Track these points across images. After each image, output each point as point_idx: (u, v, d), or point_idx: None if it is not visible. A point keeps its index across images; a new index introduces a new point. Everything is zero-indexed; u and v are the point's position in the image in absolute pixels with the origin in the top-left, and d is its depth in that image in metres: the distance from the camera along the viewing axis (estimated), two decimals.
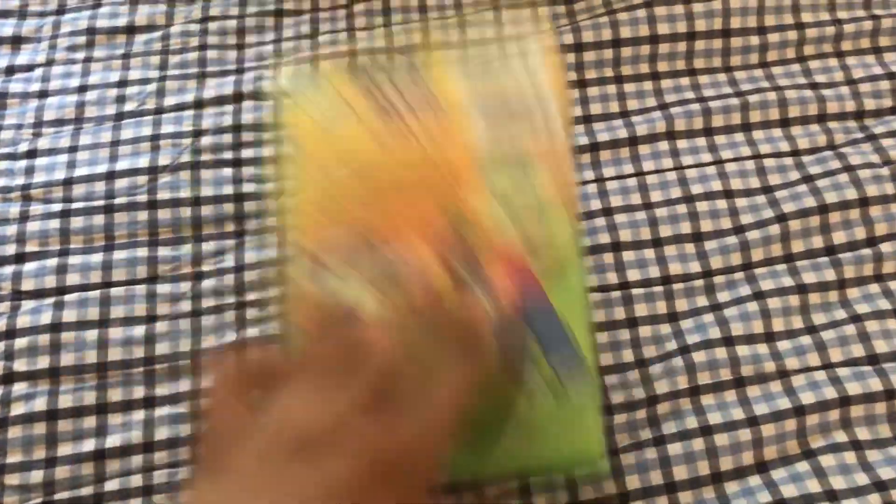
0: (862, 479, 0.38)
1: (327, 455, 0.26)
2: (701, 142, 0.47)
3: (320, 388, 0.28)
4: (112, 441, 0.39)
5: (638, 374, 0.41)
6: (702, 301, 0.43)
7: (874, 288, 0.43)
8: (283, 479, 0.25)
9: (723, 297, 0.42)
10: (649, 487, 0.38)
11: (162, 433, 0.40)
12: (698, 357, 0.41)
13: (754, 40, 0.49)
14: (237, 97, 0.48)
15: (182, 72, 0.49)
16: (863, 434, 0.39)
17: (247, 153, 0.46)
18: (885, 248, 0.43)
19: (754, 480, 0.38)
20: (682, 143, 0.47)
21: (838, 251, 0.43)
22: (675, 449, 0.39)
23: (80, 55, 0.49)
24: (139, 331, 0.42)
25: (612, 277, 0.43)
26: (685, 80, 0.49)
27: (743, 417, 0.39)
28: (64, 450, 0.39)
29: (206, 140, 0.46)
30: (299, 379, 0.29)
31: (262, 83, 0.48)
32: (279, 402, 0.28)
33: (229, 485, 0.26)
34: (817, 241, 0.44)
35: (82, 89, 0.48)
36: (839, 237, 0.44)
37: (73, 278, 0.43)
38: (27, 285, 0.42)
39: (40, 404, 0.40)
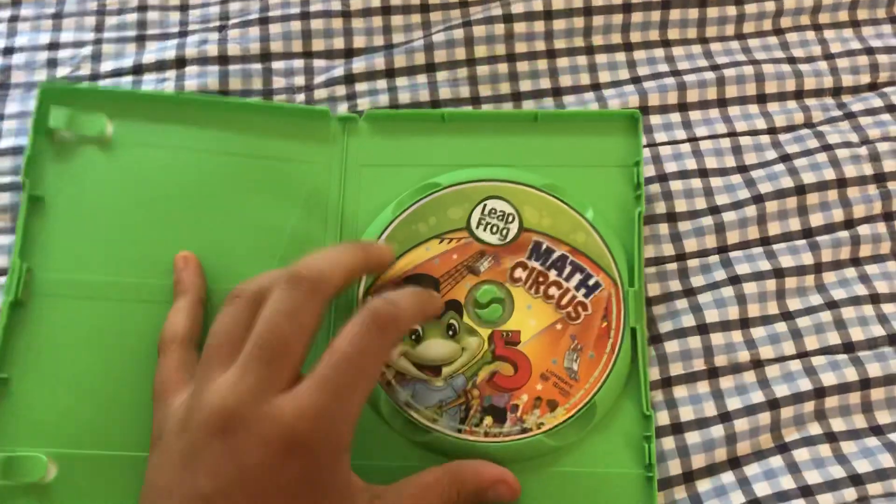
0: (837, 472, 0.36)
1: (243, 436, 0.28)
2: (675, 118, 0.44)
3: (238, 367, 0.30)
4: None
5: None
6: (675, 286, 0.41)
7: (850, 272, 0.41)
8: (202, 459, 0.28)
9: (697, 281, 0.41)
10: None
11: None
12: (671, 347, 0.39)
13: (731, 10, 0.47)
14: (180, 62, 0.44)
15: (119, 34, 0.45)
16: (837, 425, 0.38)
17: None
18: (863, 230, 0.42)
19: (727, 478, 0.36)
20: (655, 119, 0.44)
21: (815, 234, 0.42)
22: None
23: (6, 13, 0.45)
24: None
25: None
26: (659, 52, 0.46)
27: (715, 414, 0.37)
28: None
29: None
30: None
31: (206, 47, 0.45)
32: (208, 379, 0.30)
33: (159, 457, 0.29)
34: (794, 224, 0.42)
35: (8, 52, 0.44)
36: (816, 219, 0.42)
37: None
38: None
39: None
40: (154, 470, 0.30)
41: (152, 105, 0.41)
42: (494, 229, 0.39)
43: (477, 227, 0.39)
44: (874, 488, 0.36)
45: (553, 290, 0.38)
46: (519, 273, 0.38)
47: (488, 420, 0.36)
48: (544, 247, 0.39)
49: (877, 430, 0.38)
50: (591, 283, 0.38)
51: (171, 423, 0.30)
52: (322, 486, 0.28)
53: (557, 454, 0.36)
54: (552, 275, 0.38)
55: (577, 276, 0.38)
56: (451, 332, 0.37)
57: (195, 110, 0.41)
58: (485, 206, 0.39)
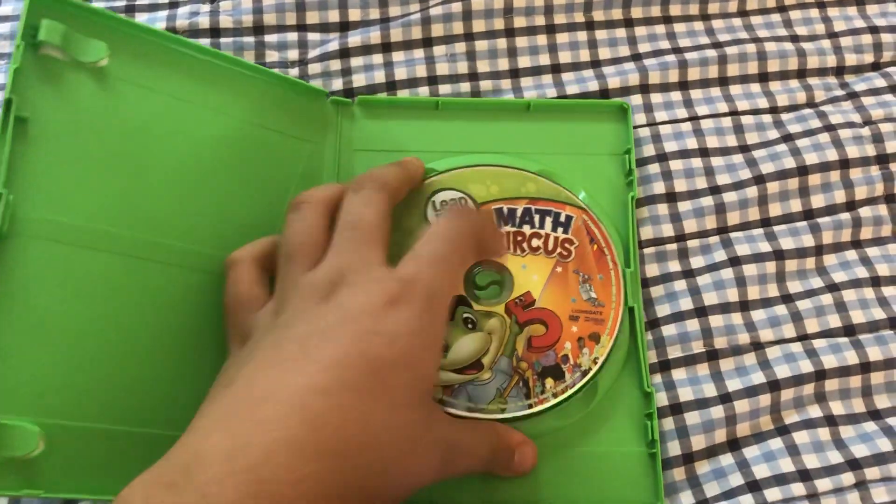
0: (835, 457, 0.36)
1: (346, 291, 0.28)
2: (676, 96, 0.44)
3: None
4: None
5: None
6: (674, 266, 0.40)
7: (851, 255, 0.41)
8: (301, 318, 0.28)
9: (696, 262, 0.40)
10: None
11: None
12: (668, 330, 0.38)
13: None
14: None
15: (108, 4, 0.44)
16: (837, 409, 0.38)
17: None
18: (864, 212, 0.41)
19: (726, 460, 0.36)
20: (656, 98, 0.43)
21: (817, 215, 0.41)
22: None
23: None
24: None
25: None
26: (660, 28, 0.45)
27: (715, 395, 0.37)
28: None
29: None
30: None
31: (197, 19, 0.43)
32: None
33: (244, 357, 0.29)
34: (795, 205, 0.41)
35: None
36: (818, 200, 0.41)
37: None
38: None
39: None
40: (252, 363, 0.28)
41: (154, 44, 0.37)
42: None
43: None
44: (872, 473, 0.36)
45: (536, 242, 0.39)
46: None
47: (550, 382, 0.36)
48: (505, 210, 0.39)
49: (875, 415, 0.38)
50: (562, 219, 0.39)
51: (261, 324, 0.30)
52: (423, 343, 0.28)
53: (561, 434, 0.36)
54: (526, 229, 0.39)
55: (549, 220, 0.39)
56: (470, 326, 0.37)
57: (196, 62, 0.38)
58: (434, 202, 0.39)
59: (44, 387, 0.31)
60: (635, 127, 0.43)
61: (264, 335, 0.29)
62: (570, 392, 0.36)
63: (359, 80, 0.43)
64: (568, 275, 0.38)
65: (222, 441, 0.24)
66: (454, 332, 0.37)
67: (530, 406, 0.36)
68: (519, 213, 0.39)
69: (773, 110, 0.44)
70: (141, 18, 0.44)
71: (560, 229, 0.39)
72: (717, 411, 0.37)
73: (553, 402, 0.36)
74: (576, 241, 0.39)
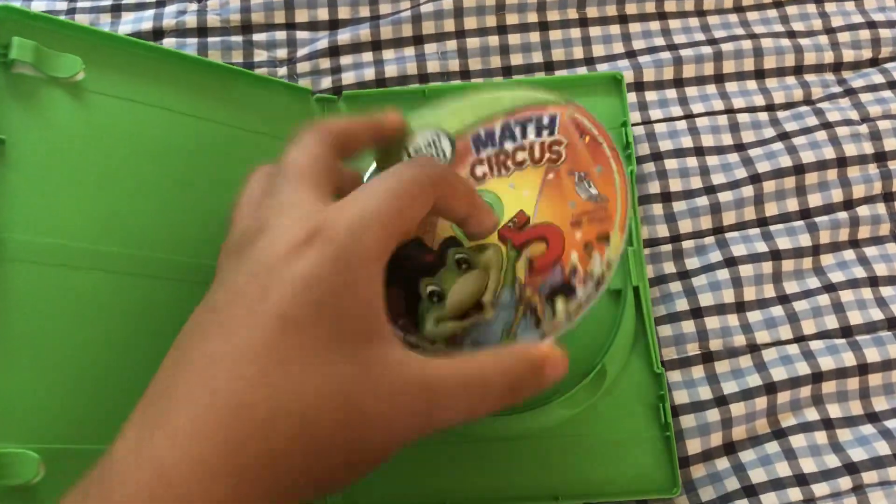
0: (832, 461, 0.36)
1: (263, 238, 0.26)
2: (671, 94, 0.43)
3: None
4: None
5: None
6: (669, 268, 0.39)
7: (849, 254, 0.40)
8: (229, 276, 0.26)
9: (691, 263, 0.39)
10: None
11: None
12: (664, 331, 0.38)
13: None
14: (157, 34, 0.43)
15: (94, 4, 0.44)
16: (834, 412, 0.37)
17: None
18: (862, 211, 0.40)
19: (721, 464, 0.36)
20: (650, 96, 0.43)
21: (814, 215, 0.40)
22: None
23: None
24: None
25: None
26: (655, 25, 0.45)
27: (711, 397, 0.37)
28: None
29: None
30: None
31: (185, 18, 0.43)
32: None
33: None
34: (792, 204, 0.41)
35: None
36: (815, 200, 0.41)
37: None
38: None
39: None
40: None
41: (130, 54, 0.36)
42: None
43: None
44: (869, 477, 0.35)
45: (521, 155, 0.34)
46: (480, 170, 0.34)
47: (560, 303, 0.31)
48: (482, 133, 0.35)
49: (873, 417, 0.37)
50: (545, 121, 0.34)
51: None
52: (340, 291, 0.24)
53: (572, 423, 0.36)
54: (509, 146, 0.34)
55: (531, 127, 0.34)
56: (465, 266, 0.33)
57: (175, 68, 0.37)
58: (407, 149, 0.34)
59: (41, 412, 0.31)
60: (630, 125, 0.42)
61: (201, 306, 0.26)
62: (586, 309, 0.31)
63: (348, 79, 0.42)
64: (562, 179, 0.33)
65: (131, 453, 0.23)
66: (449, 276, 0.33)
67: (543, 335, 0.31)
68: (497, 132, 0.34)
69: (770, 108, 0.43)
70: (127, 18, 0.43)
71: (545, 132, 0.34)
72: (713, 414, 0.36)
73: (568, 325, 0.31)
74: (564, 139, 0.34)
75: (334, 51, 0.43)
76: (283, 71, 0.42)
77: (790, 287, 0.39)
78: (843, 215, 0.40)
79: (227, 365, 0.23)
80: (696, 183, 0.41)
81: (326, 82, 0.42)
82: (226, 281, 0.25)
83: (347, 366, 0.24)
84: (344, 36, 0.43)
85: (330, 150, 0.29)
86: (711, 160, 0.41)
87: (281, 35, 0.43)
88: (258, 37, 0.43)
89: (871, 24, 0.45)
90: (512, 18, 0.44)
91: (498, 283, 0.32)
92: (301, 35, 0.43)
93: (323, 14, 0.44)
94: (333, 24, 0.44)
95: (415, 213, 0.27)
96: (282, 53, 0.43)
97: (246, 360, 0.23)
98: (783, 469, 0.35)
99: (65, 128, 0.33)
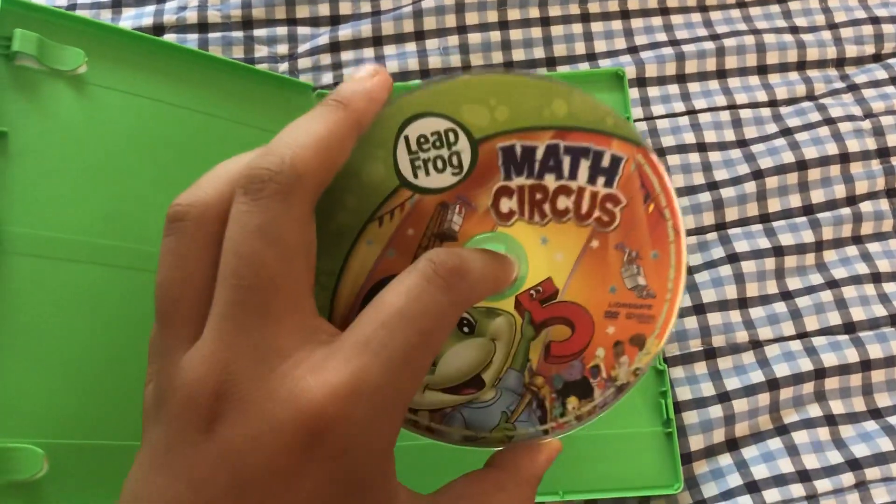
0: (835, 457, 0.35)
1: (239, 425, 0.19)
2: (673, 90, 0.43)
3: None
4: None
5: None
6: None
7: (852, 251, 0.40)
8: (181, 459, 0.19)
9: (694, 259, 0.39)
10: None
11: None
12: None
13: None
14: (158, 30, 0.42)
15: (95, 0, 0.43)
16: (837, 408, 0.37)
17: None
18: (865, 207, 0.40)
19: (724, 460, 0.36)
20: (653, 91, 0.43)
21: (817, 210, 0.40)
22: None
23: None
24: None
25: None
26: (657, 21, 0.45)
27: (713, 394, 0.36)
28: None
29: None
30: None
31: (185, 14, 0.43)
32: None
33: (138, 453, 0.21)
34: (795, 200, 0.41)
35: None
36: (818, 196, 0.41)
37: None
38: None
39: None
40: (133, 468, 0.21)
41: (133, 47, 0.35)
42: (439, 163, 0.25)
43: (413, 174, 0.25)
44: (872, 473, 0.35)
45: (563, 202, 0.25)
46: (506, 204, 0.25)
47: (573, 402, 0.26)
48: (518, 149, 0.25)
49: (876, 414, 0.37)
50: (605, 162, 0.25)
51: (145, 405, 0.21)
52: (357, 500, 0.20)
53: None
54: (550, 181, 0.25)
55: (584, 163, 0.25)
56: (467, 329, 0.26)
57: (177, 62, 0.37)
58: (406, 138, 0.25)
59: (44, 406, 0.30)
60: (632, 120, 0.42)
61: (143, 444, 0.20)
62: (599, 414, 0.26)
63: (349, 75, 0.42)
64: (608, 252, 0.26)
65: None
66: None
67: (546, 432, 0.27)
68: (540, 153, 0.25)
69: (773, 103, 0.43)
70: (128, 14, 0.43)
71: (601, 180, 0.25)
72: (716, 411, 0.36)
73: (576, 426, 0.26)
74: (623, 198, 0.25)
75: (335, 46, 0.43)
76: (283, 67, 0.42)
77: (793, 283, 0.39)
78: (845, 211, 0.40)
79: None
80: (698, 179, 0.41)
81: (327, 78, 0.42)
82: (184, 454, 0.19)
83: None
84: (345, 31, 0.43)
85: (311, 211, 0.21)
86: (714, 156, 0.41)
87: (282, 30, 0.43)
88: (259, 32, 0.43)
89: (875, 20, 0.45)
90: (514, 14, 0.44)
91: (505, 361, 0.27)
92: (302, 30, 0.43)
93: (324, 10, 0.44)
94: (335, 20, 0.44)
95: (434, 354, 0.21)
96: (283, 49, 0.43)
97: None
98: (785, 465, 0.35)
99: (67, 121, 0.33)
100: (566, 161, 0.25)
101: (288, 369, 0.19)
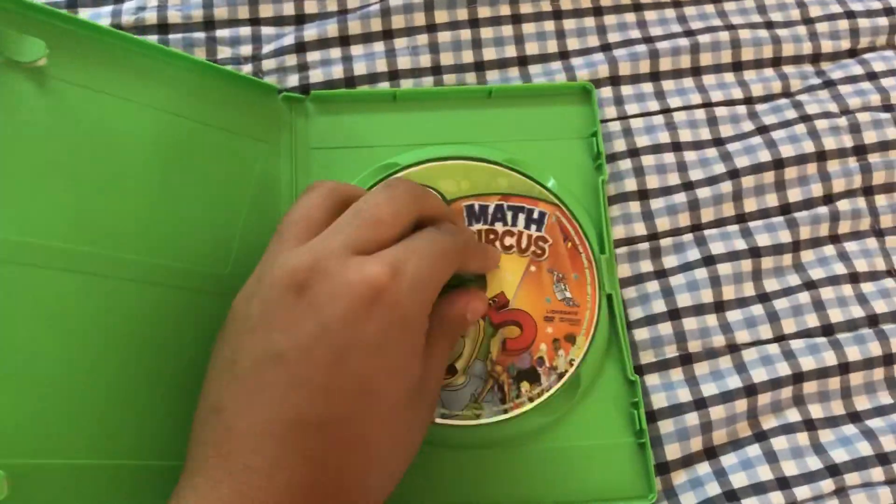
0: (814, 462, 0.35)
1: (325, 287, 0.27)
2: (647, 88, 0.42)
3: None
4: None
5: None
6: (646, 266, 0.39)
7: (829, 250, 0.39)
8: (276, 315, 0.27)
9: (669, 262, 0.39)
10: None
11: None
12: (641, 334, 0.37)
13: None
14: None
15: (50, 0, 0.42)
16: (816, 412, 0.36)
17: None
18: (843, 206, 0.40)
19: (702, 469, 0.35)
20: (626, 90, 0.42)
21: (794, 210, 0.40)
22: None
23: None
24: None
25: None
26: (630, 17, 0.44)
27: (690, 400, 0.36)
28: None
29: None
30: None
31: (144, 14, 0.41)
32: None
33: (223, 330, 0.29)
34: (772, 199, 0.40)
35: None
36: (794, 195, 0.40)
37: None
38: None
39: None
40: (218, 343, 0.28)
41: (97, 41, 0.33)
42: None
43: None
44: (852, 479, 0.34)
45: (508, 240, 0.38)
46: None
47: (525, 386, 0.35)
48: (476, 207, 0.38)
49: (855, 417, 0.36)
50: (535, 216, 0.38)
51: (238, 297, 0.28)
52: (407, 344, 0.28)
53: (547, 430, 0.35)
54: (499, 227, 0.38)
55: (521, 217, 0.38)
56: None
57: (142, 58, 0.35)
58: None
59: (8, 424, 0.28)
60: (605, 121, 0.41)
61: (229, 323, 0.28)
62: (545, 395, 0.35)
63: (316, 76, 0.41)
64: (542, 274, 0.37)
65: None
66: None
67: (506, 411, 0.35)
68: (491, 210, 0.38)
69: (748, 101, 0.42)
70: (84, 15, 0.41)
71: (533, 227, 0.38)
72: (692, 418, 0.35)
73: (529, 406, 0.35)
74: (549, 238, 0.38)
75: (301, 47, 0.41)
76: (248, 68, 0.41)
77: (770, 285, 0.38)
78: (823, 210, 0.40)
79: (302, 428, 0.26)
80: (673, 179, 0.40)
81: (293, 80, 0.41)
82: (279, 315, 0.27)
83: (403, 413, 0.28)
84: (311, 31, 0.42)
85: (413, 221, 0.31)
86: (689, 155, 0.40)
87: (245, 31, 0.42)
88: (221, 33, 0.42)
89: (850, 14, 0.44)
90: (484, 11, 0.43)
91: (472, 352, 0.36)
92: (266, 31, 0.42)
93: (289, 9, 0.42)
94: (300, 20, 0.42)
95: (447, 276, 0.30)
96: (246, 50, 0.41)
97: (325, 418, 0.26)
98: (764, 472, 0.34)
99: (26, 116, 0.31)
100: (509, 214, 0.38)
101: (360, 259, 0.27)
